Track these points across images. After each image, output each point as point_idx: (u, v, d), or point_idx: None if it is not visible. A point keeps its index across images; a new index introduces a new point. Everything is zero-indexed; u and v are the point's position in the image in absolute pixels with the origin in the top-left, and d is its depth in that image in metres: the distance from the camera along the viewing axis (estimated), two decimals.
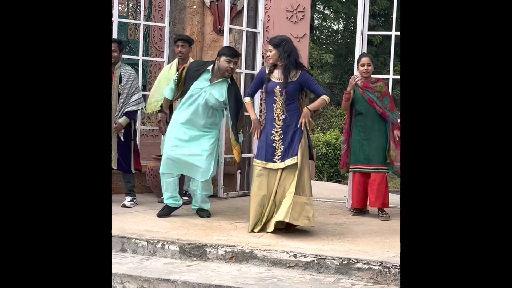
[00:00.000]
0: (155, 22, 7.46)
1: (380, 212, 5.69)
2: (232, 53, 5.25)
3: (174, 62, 6.10)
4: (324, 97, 4.96)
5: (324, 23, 19.35)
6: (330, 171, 11.96)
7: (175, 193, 5.36)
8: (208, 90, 5.24)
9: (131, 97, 5.76)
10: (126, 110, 5.72)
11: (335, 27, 20.15)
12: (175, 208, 5.40)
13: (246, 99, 5.11)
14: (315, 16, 17.63)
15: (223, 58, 5.20)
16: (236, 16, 6.73)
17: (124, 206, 5.74)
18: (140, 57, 6.76)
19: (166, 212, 5.35)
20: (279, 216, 4.72)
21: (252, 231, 4.81)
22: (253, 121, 5.01)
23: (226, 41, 6.15)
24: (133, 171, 5.87)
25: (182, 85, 5.33)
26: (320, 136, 12.51)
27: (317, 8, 17.47)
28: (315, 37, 17.77)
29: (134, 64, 7.52)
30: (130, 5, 10.23)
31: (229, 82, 5.32)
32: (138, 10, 9.38)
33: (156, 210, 5.50)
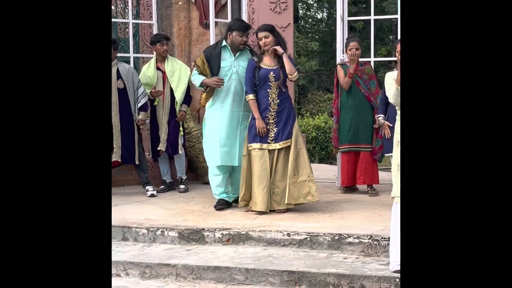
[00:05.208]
0: (143, 20, 7.58)
1: (369, 189, 5.89)
2: (244, 27, 5.21)
3: (152, 61, 6.31)
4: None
5: (308, 13, 19.90)
6: (321, 154, 12.46)
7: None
8: (236, 64, 5.23)
9: (137, 91, 6.03)
10: (140, 105, 6.01)
11: (319, 16, 20.75)
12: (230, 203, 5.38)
13: (250, 96, 5.07)
14: (299, 6, 18.03)
15: (235, 33, 5.15)
16: (221, 9, 6.92)
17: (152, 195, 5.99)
18: (131, 55, 6.93)
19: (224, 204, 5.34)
20: (278, 204, 5.02)
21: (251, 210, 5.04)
22: (257, 120, 5.02)
23: (212, 34, 6.32)
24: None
25: (209, 76, 5.21)
26: (309, 120, 12.88)
27: None
28: (300, 27, 18.19)
29: (125, 62, 7.69)
30: (119, 6, 10.42)
31: (249, 49, 5.34)
32: (126, 10, 9.57)
33: (153, 199, 5.72)
